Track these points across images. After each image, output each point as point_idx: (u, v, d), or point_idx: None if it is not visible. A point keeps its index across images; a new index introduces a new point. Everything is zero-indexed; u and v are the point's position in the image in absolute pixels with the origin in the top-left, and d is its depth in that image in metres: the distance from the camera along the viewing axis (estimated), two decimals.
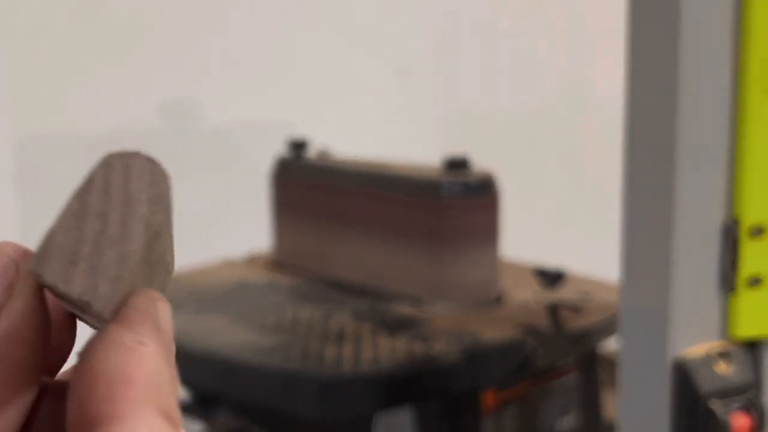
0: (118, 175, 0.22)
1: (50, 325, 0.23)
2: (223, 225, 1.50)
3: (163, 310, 0.23)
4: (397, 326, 0.88)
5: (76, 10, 1.39)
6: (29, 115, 1.38)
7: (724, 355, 0.62)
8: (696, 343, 0.61)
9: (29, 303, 0.22)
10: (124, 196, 0.22)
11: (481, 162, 1.05)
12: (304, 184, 1.10)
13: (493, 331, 0.86)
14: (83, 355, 0.21)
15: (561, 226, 1.81)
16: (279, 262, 1.14)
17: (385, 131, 1.67)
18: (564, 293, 0.99)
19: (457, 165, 0.96)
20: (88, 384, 0.21)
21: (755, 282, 0.61)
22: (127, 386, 0.20)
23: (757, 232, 0.61)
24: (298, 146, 1.13)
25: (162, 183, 0.22)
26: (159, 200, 0.22)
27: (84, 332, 0.23)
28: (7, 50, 1.35)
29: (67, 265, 0.21)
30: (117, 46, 1.43)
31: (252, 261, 1.19)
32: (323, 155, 1.13)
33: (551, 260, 1.07)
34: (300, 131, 1.56)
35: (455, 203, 0.93)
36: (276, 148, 1.21)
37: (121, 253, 0.21)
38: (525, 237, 1.29)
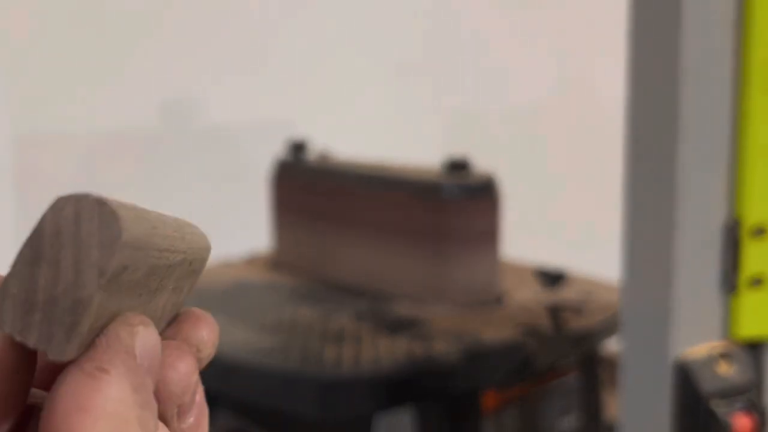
0: (68, 219, 0.21)
1: (35, 359, 0.23)
2: (223, 225, 1.50)
3: (143, 335, 0.22)
4: (397, 326, 0.88)
5: (77, 10, 1.39)
6: (29, 115, 1.38)
7: (725, 356, 0.62)
8: (697, 344, 0.61)
9: (7, 338, 0.22)
10: (74, 241, 0.21)
11: (482, 160, 1.05)
12: (305, 186, 1.09)
13: (493, 332, 0.86)
14: (53, 385, 0.21)
15: (562, 226, 1.81)
16: (279, 263, 1.14)
17: (385, 129, 1.67)
18: (565, 294, 0.98)
19: (457, 167, 0.96)
20: (48, 414, 0.20)
21: (757, 282, 0.61)
22: (81, 415, 0.20)
23: (758, 232, 0.61)
24: (297, 148, 1.13)
25: (113, 225, 0.21)
26: (112, 243, 0.21)
27: None
28: (8, 50, 1.35)
29: (23, 314, 0.21)
30: (117, 47, 1.43)
31: (252, 261, 1.19)
32: (323, 157, 1.13)
33: (552, 260, 1.07)
34: (301, 129, 1.56)
35: (456, 205, 0.93)
36: (276, 148, 1.21)
37: (75, 300, 0.21)
38: (526, 237, 1.29)
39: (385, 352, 0.81)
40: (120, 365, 0.21)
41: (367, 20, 1.64)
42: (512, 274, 1.03)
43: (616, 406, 0.77)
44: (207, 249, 0.26)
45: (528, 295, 0.98)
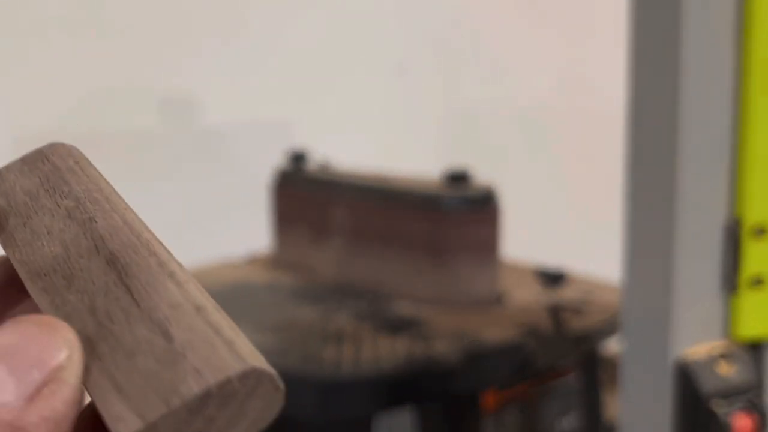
0: (243, 390, 0.22)
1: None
2: (223, 225, 1.50)
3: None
4: (397, 327, 0.88)
5: (75, 10, 1.39)
6: (27, 115, 1.38)
7: (725, 356, 0.61)
8: (698, 344, 0.61)
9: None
10: (239, 410, 0.22)
11: (482, 160, 1.05)
12: (305, 197, 1.09)
13: (493, 332, 0.86)
14: None
15: (562, 225, 1.81)
16: (279, 270, 1.14)
17: (385, 131, 1.67)
18: (565, 294, 0.98)
19: (457, 178, 0.96)
20: None
21: (757, 282, 0.61)
22: None
23: (759, 232, 0.60)
24: (298, 158, 1.12)
25: (275, 407, 0.22)
26: (265, 421, 0.22)
27: None
28: (5, 50, 1.35)
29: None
30: (116, 46, 1.43)
31: (252, 261, 1.19)
32: (324, 167, 1.13)
33: (552, 260, 1.07)
34: (299, 129, 1.56)
35: (456, 217, 0.93)
36: (275, 148, 1.21)
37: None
38: (526, 237, 1.29)
39: (386, 352, 0.81)
40: None
41: (368, 18, 1.64)
42: (512, 274, 1.03)
43: (616, 406, 0.77)
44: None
45: (528, 295, 0.98)
